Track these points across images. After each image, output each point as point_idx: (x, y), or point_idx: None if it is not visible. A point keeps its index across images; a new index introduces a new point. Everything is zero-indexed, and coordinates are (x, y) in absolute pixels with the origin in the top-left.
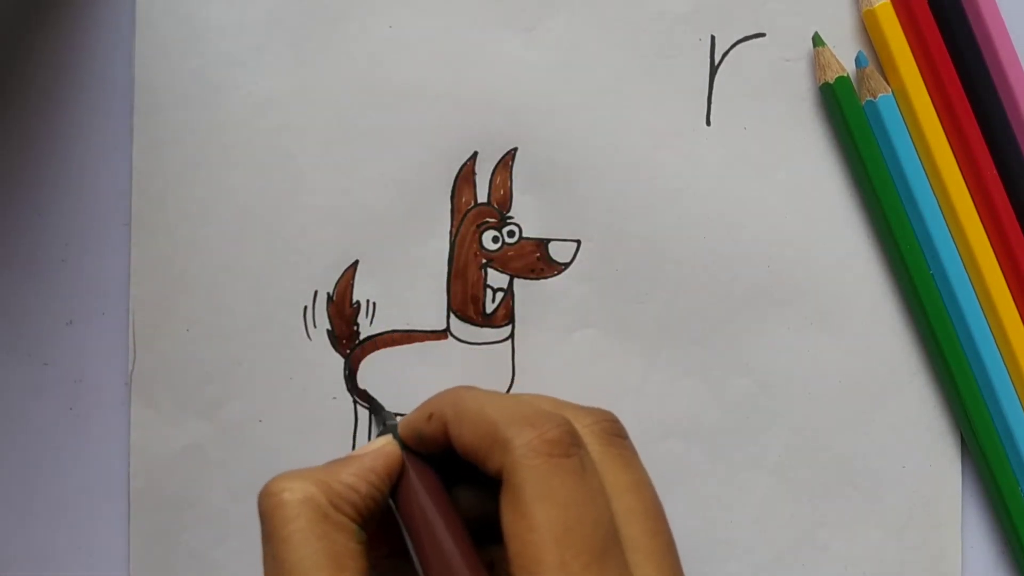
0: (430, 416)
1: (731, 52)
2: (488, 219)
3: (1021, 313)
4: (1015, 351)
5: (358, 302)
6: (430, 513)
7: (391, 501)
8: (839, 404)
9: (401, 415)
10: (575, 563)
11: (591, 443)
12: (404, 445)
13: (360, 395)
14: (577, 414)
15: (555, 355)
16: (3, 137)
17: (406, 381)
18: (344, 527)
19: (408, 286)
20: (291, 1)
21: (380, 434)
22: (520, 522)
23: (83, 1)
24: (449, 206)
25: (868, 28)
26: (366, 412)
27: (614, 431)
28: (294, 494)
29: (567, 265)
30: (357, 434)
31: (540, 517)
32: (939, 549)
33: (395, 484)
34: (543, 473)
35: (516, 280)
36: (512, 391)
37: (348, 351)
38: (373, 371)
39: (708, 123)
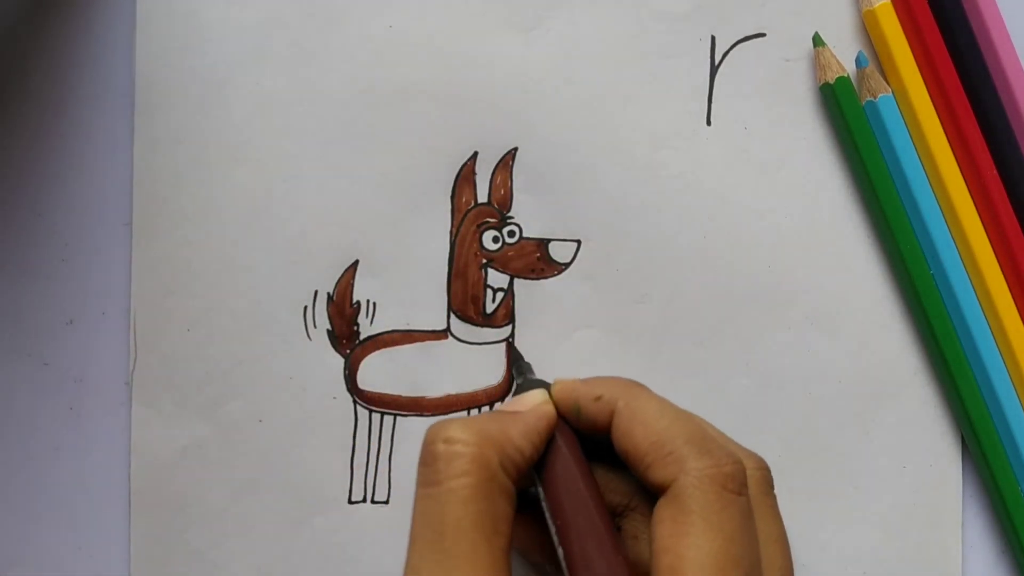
0: (599, 398)
1: (731, 52)
2: (488, 219)
3: (1021, 313)
4: (1015, 351)
5: (358, 302)
6: (579, 487)
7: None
8: (839, 404)
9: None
10: None
11: (751, 488)
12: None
13: (512, 351)
14: (741, 455)
15: (555, 355)
16: (3, 137)
17: (406, 381)
18: (506, 491)
19: (408, 286)
20: (291, 1)
21: (519, 388)
22: (681, 540)
23: (83, 1)
24: (449, 206)
25: (868, 28)
26: (366, 412)
27: (769, 481)
28: (469, 448)
29: (567, 265)
30: (357, 434)
31: (703, 542)
32: (939, 549)
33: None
34: (715, 502)
35: (516, 280)
36: (512, 391)
37: (348, 351)
38: (373, 371)
39: (708, 123)
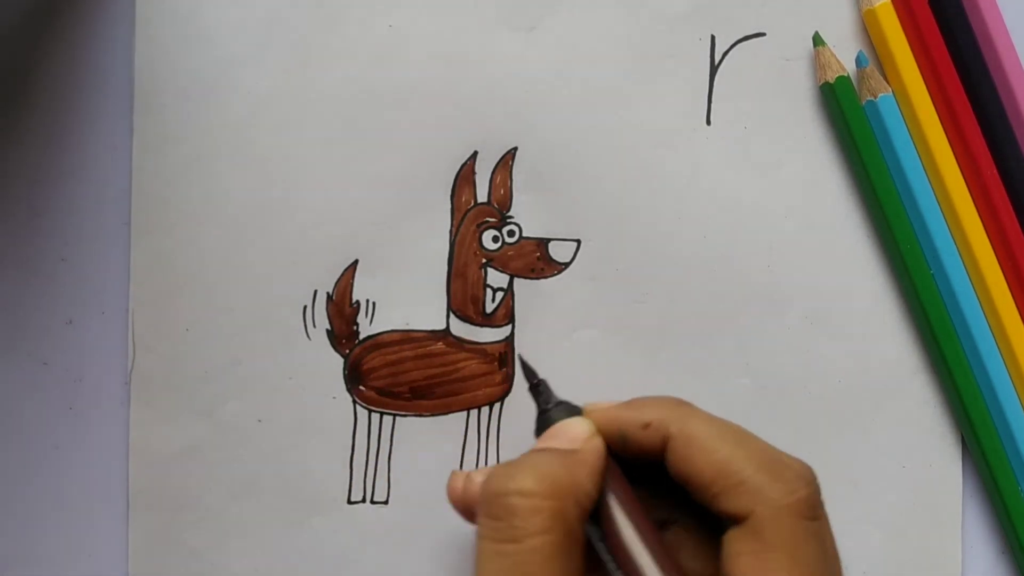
0: (647, 425)
1: (731, 52)
2: (488, 219)
3: (1021, 313)
4: (1015, 351)
5: (358, 302)
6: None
7: None
8: (839, 404)
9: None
10: None
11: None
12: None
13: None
14: (801, 471)
15: (555, 355)
16: (3, 137)
17: (406, 381)
18: (581, 543)
19: (408, 286)
20: (291, 1)
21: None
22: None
23: (83, 1)
24: (449, 206)
25: (868, 28)
26: (365, 412)
27: (819, 490)
28: (547, 502)
29: (567, 265)
30: (356, 434)
31: None
32: (939, 549)
33: None
34: (796, 534)
35: (516, 280)
36: (512, 391)
37: (348, 351)
38: (373, 371)
39: (708, 123)
